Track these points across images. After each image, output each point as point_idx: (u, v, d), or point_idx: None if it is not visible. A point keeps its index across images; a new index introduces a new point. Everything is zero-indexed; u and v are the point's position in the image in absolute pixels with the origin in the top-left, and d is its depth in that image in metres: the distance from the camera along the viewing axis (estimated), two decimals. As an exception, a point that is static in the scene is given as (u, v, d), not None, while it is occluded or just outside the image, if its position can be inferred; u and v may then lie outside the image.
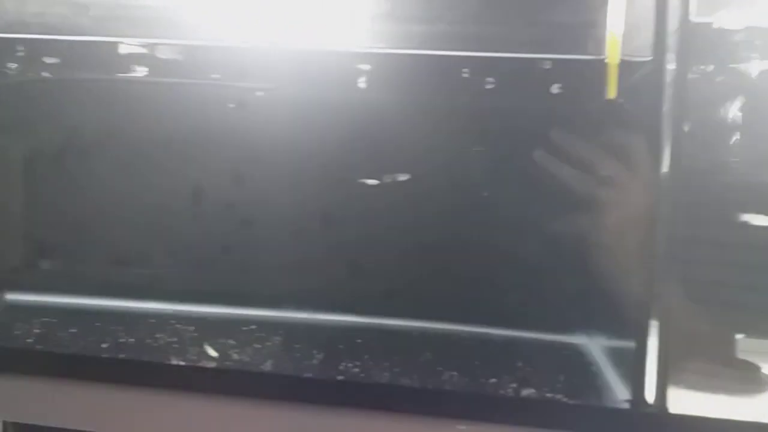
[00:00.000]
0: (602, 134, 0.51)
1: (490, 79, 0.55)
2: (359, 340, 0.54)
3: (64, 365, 0.47)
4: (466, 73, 0.55)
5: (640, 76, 0.47)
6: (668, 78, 0.42)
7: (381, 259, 0.60)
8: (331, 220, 0.60)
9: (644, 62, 0.46)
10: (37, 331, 0.53)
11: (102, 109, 0.62)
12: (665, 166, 0.41)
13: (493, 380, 0.45)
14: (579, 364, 0.50)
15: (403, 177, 0.58)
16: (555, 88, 0.53)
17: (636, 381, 0.40)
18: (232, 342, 0.52)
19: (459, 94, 0.57)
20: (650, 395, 0.40)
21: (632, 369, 0.40)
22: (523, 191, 0.55)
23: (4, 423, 0.74)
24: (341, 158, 0.59)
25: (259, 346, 0.51)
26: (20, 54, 0.62)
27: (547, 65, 0.53)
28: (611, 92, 0.49)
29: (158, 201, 0.62)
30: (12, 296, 0.60)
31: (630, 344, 0.49)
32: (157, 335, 0.53)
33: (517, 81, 0.55)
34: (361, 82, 0.58)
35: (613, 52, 0.49)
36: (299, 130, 0.60)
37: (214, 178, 0.61)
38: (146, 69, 0.61)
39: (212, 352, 0.48)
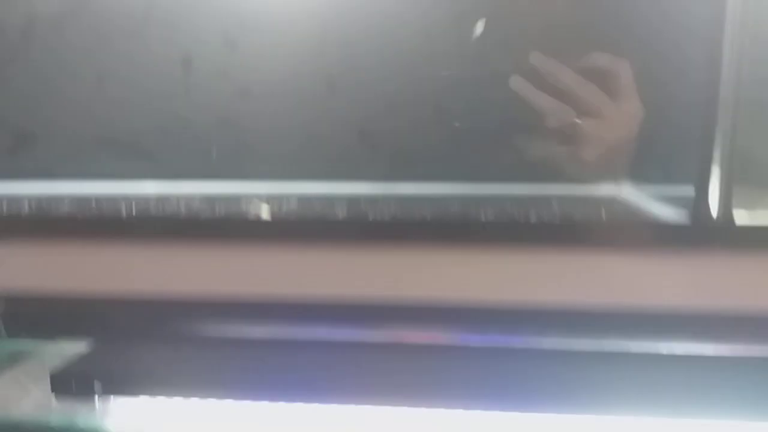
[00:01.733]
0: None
1: None
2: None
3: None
4: None
5: None
6: None
7: (389, 122, 0.54)
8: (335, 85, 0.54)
9: None
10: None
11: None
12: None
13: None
14: (620, 207, 0.44)
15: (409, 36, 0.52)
16: None
17: (699, 197, 0.34)
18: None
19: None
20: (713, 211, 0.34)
21: (695, 185, 0.34)
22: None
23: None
24: (342, 17, 0.52)
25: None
26: None
27: None
28: None
29: (144, 75, 0.56)
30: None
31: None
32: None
33: None
34: None
35: None
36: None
37: (204, 46, 0.55)
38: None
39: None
